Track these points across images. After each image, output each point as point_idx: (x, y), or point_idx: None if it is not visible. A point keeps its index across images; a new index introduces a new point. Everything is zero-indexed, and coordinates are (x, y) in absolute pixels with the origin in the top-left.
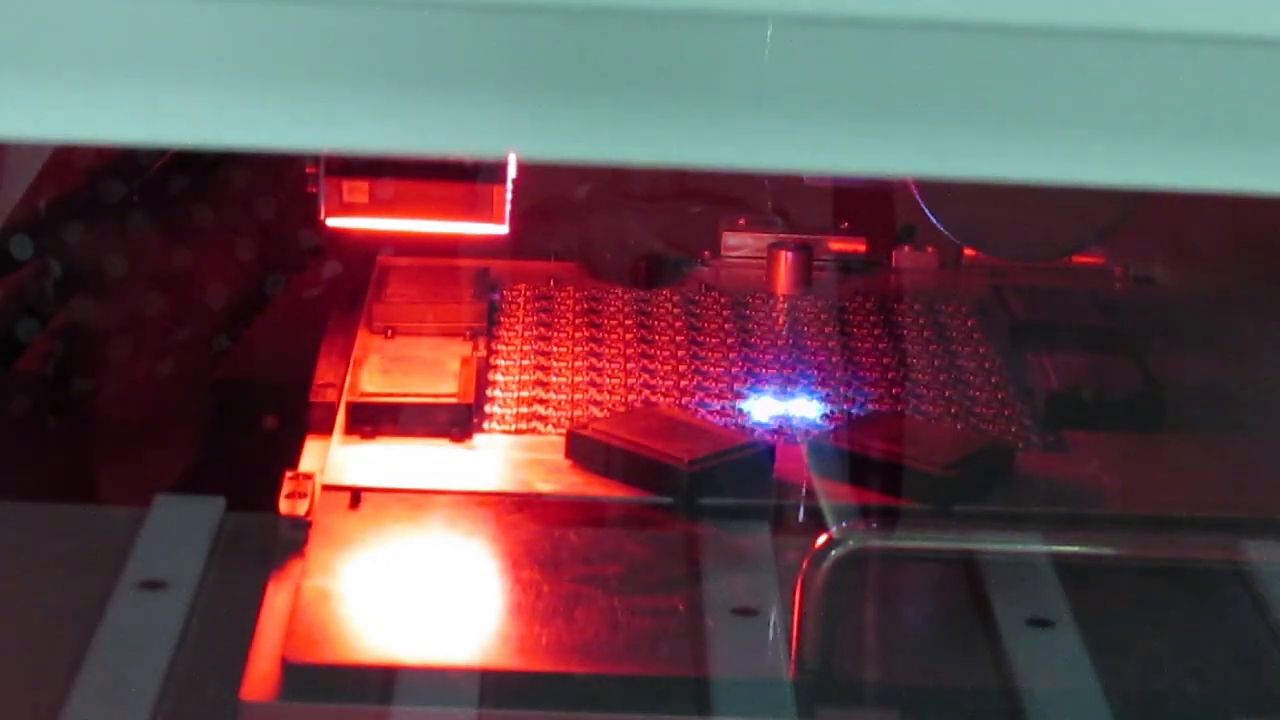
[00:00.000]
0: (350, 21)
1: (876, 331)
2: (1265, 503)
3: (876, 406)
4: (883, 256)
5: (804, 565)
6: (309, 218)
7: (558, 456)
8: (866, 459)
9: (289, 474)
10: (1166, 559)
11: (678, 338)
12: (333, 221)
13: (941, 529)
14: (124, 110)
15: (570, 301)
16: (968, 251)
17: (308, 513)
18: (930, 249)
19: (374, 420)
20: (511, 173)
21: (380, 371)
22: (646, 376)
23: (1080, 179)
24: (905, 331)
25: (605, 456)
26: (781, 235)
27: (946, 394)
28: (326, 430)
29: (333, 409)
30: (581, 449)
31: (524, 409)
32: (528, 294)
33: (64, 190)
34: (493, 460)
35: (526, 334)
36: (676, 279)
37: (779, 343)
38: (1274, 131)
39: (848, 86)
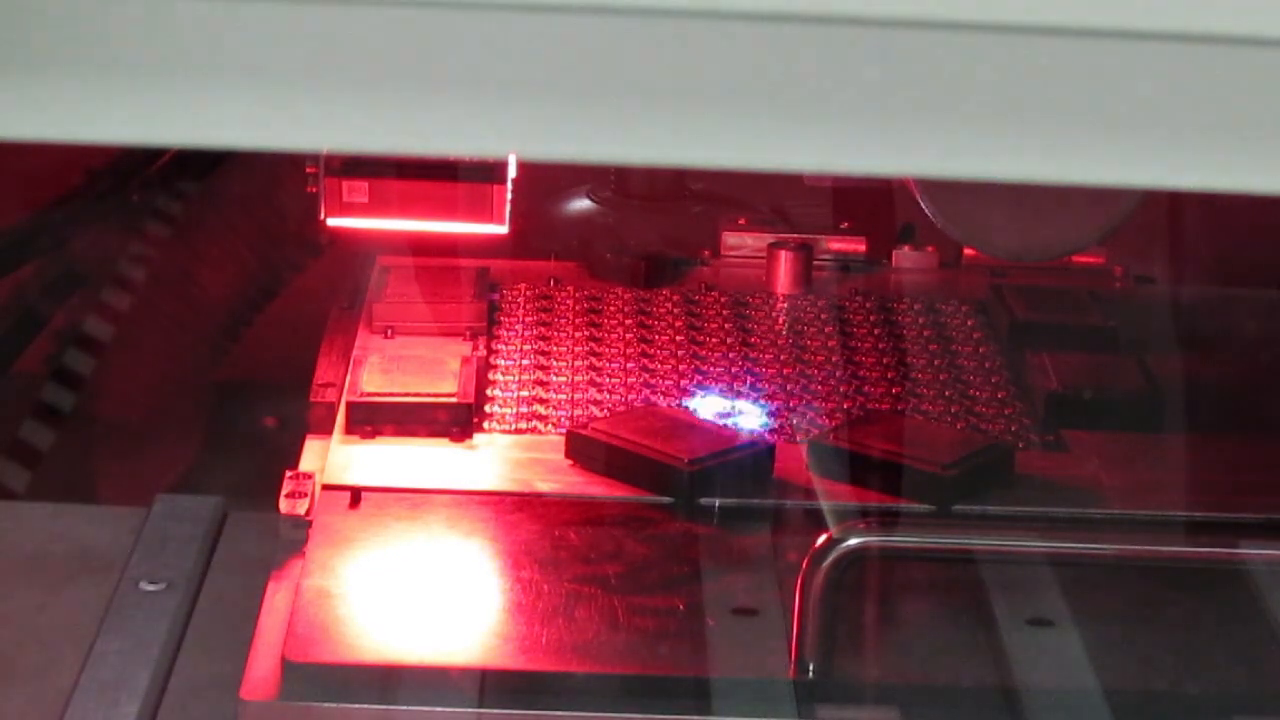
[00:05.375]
0: (350, 21)
1: (876, 331)
2: (1265, 503)
3: (876, 406)
4: (883, 256)
5: (804, 565)
6: (309, 217)
7: (558, 456)
8: (866, 459)
9: (289, 474)
10: (1166, 559)
11: (678, 338)
12: (333, 221)
13: (941, 529)
14: (124, 110)
15: (570, 301)
16: (968, 251)
17: (308, 512)
18: (930, 249)
19: (374, 420)
20: (511, 173)
21: (380, 371)
22: (646, 376)
23: (1080, 179)
24: (905, 331)
25: (605, 456)
26: (781, 235)
27: (946, 394)
28: (326, 430)
29: (333, 409)
30: (581, 449)
31: (524, 409)
32: (528, 294)
33: (64, 190)
34: (493, 460)
35: (526, 334)
36: (676, 279)
37: (779, 343)
38: (1274, 131)
39: (848, 86)
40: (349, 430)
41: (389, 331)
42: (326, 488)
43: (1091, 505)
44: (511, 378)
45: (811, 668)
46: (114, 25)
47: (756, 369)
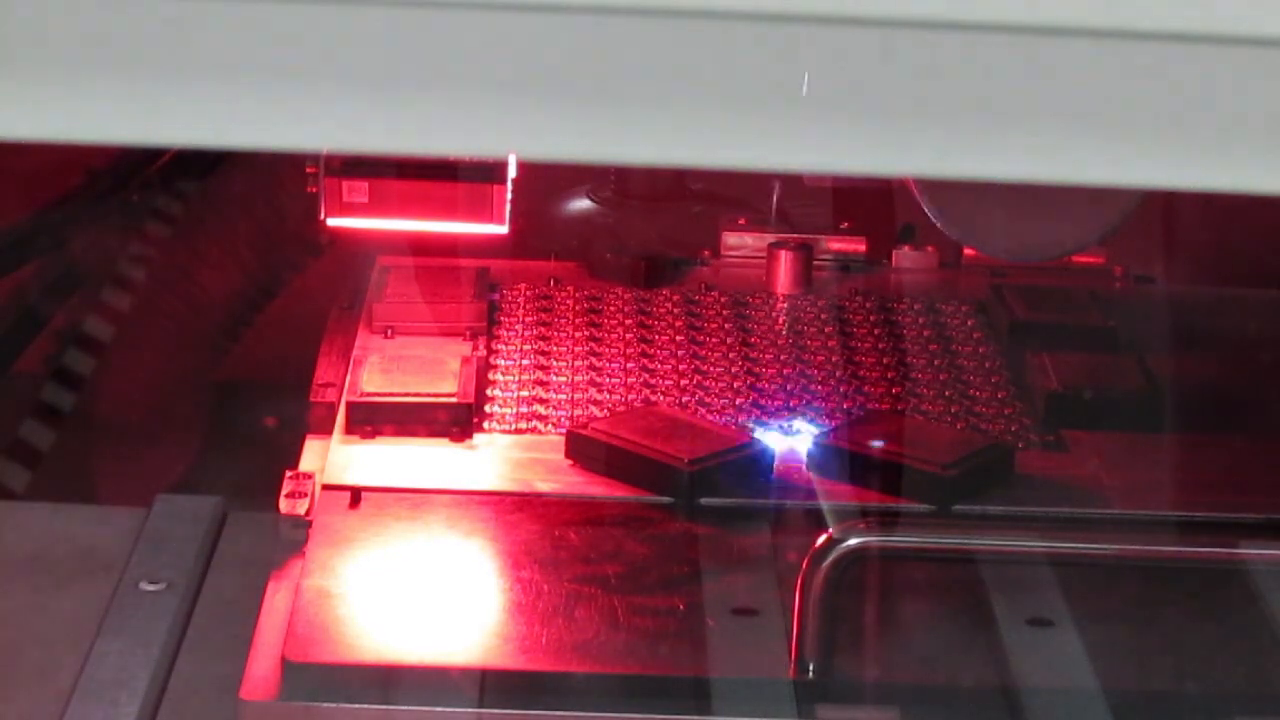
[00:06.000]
0: (350, 21)
1: (876, 331)
2: (1265, 503)
3: (876, 406)
4: (883, 256)
5: (804, 565)
6: (309, 217)
7: (558, 456)
8: (866, 459)
9: (289, 474)
10: (1166, 559)
11: (678, 338)
12: (333, 221)
13: (941, 529)
14: (124, 110)
15: (570, 301)
16: (968, 251)
17: (308, 512)
18: (930, 249)
19: (374, 420)
20: (511, 173)
21: (380, 371)
22: (646, 376)
23: (1080, 179)
24: (905, 331)
25: (605, 456)
26: (781, 235)
27: (946, 394)
28: (326, 430)
29: (333, 409)
30: (581, 449)
31: (524, 409)
32: (528, 294)
33: (64, 190)
34: (493, 460)
35: (526, 334)
36: (676, 279)
37: (779, 343)
38: (1274, 131)
39: (848, 86)
40: (349, 430)
41: (389, 331)
42: (326, 488)
43: (1091, 505)
44: (511, 378)
45: (811, 668)
46: (114, 25)
47: (756, 369)
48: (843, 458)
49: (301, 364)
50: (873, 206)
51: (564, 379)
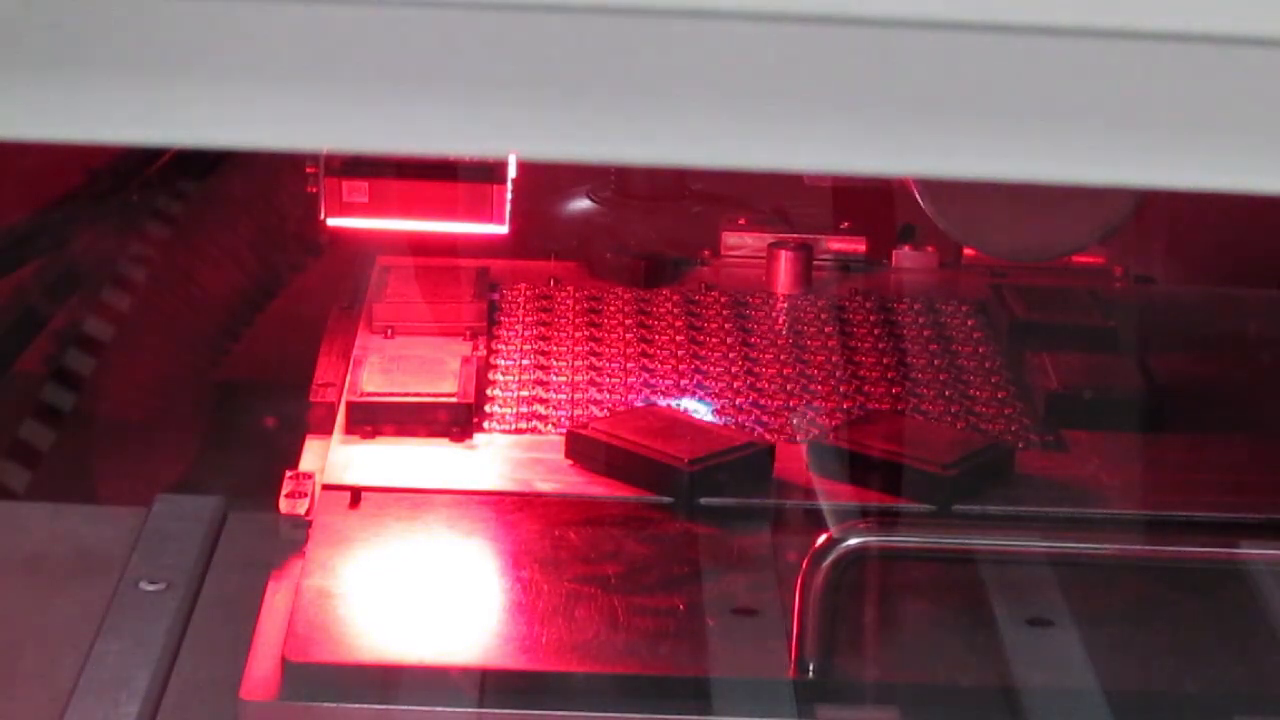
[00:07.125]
0: (350, 21)
1: (876, 331)
2: (1265, 503)
3: (876, 406)
4: (883, 256)
5: (804, 565)
6: (309, 217)
7: (558, 456)
8: (866, 459)
9: (289, 474)
10: (1166, 559)
11: (678, 338)
12: (333, 221)
13: (941, 529)
14: (124, 110)
15: (570, 301)
16: (968, 251)
17: (308, 512)
18: (930, 249)
19: (374, 420)
20: (511, 173)
21: (380, 371)
22: (646, 376)
23: (1080, 179)
24: (905, 331)
25: (605, 456)
26: (781, 235)
27: (946, 394)
28: (326, 430)
29: (333, 409)
30: (581, 449)
31: (524, 409)
32: (528, 294)
33: (64, 190)
34: (493, 460)
35: (526, 334)
36: (676, 279)
37: (779, 343)
38: (1274, 131)
39: (848, 86)
40: (349, 430)
41: (389, 331)
42: (326, 488)
43: (1091, 505)
44: (511, 378)
45: (811, 668)
46: (114, 25)
47: (756, 369)
48: (843, 458)
49: (301, 364)
50: (873, 206)
51: (564, 379)
